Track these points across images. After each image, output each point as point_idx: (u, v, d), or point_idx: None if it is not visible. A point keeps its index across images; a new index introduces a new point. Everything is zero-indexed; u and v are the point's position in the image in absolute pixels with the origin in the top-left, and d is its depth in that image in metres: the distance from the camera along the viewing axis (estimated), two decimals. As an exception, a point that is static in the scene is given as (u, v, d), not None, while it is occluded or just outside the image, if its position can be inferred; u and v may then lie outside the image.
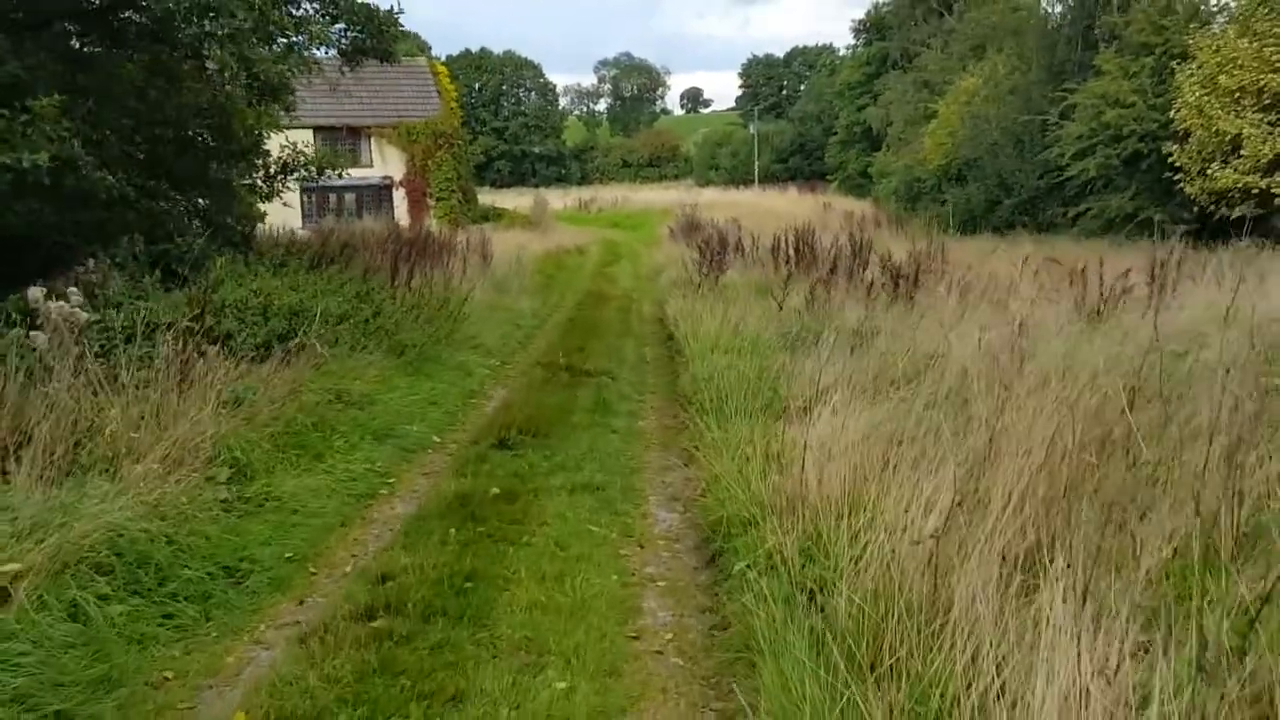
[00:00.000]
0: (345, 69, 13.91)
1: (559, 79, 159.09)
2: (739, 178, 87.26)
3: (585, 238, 39.19)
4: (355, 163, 40.09)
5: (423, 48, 77.04)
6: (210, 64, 10.35)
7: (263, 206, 16.88)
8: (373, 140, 40.24)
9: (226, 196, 13.62)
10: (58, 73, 12.32)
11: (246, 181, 15.79)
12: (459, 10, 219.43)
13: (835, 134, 76.33)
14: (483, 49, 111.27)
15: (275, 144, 15.81)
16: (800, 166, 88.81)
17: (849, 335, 10.16)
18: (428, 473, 8.06)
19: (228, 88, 12.84)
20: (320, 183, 38.03)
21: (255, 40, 10.73)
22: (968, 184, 39.71)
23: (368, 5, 12.69)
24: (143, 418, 6.50)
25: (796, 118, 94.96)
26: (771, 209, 46.78)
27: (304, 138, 38.98)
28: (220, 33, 10.42)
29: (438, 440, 9.07)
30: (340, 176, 16.46)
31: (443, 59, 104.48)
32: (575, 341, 14.89)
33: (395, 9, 12.88)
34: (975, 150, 38.75)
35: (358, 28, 12.77)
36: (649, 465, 8.23)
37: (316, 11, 12.07)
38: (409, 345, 11.19)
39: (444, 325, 12.41)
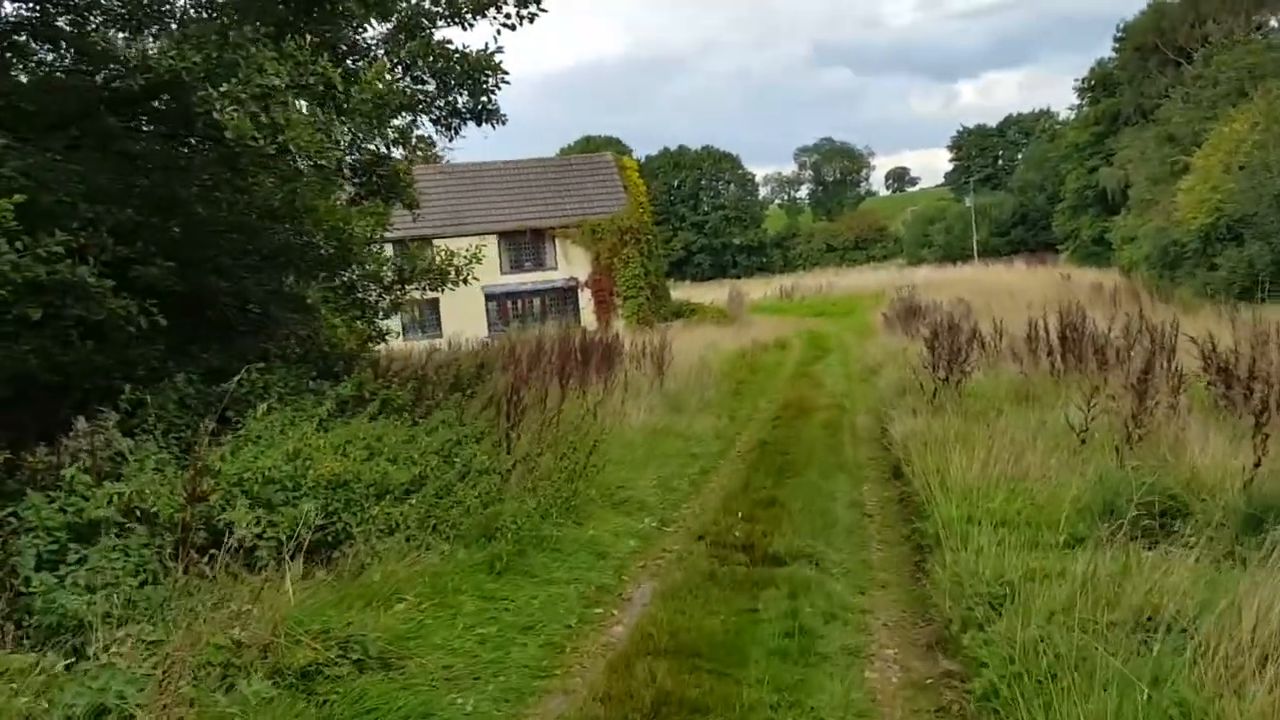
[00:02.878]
0: (435, 140, 10.59)
1: (758, 169, 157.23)
2: (954, 254, 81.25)
3: (786, 329, 35.08)
4: (539, 266, 37.94)
5: (623, 152, 76.32)
6: (228, 133, 7.11)
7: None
8: (556, 241, 37.95)
9: (305, 317, 10.47)
10: (76, 174, 9.59)
11: (358, 295, 12.77)
12: (657, 112, 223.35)
13: (1062, 200, 69.62)
14: (680, 146, 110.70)
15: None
16: (1024, 238, 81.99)
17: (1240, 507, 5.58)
18: None
19: (290, 180, 9.81)
20: (502, 288, 35.98)
21: (289, 102, 7.49)
22: (1245, 244, 33.15)
23: (451, 46, 9.33)
24: None
25: (1016, 187, 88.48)
26: (1001, 285, 41.26)
27: (488, 244, 37.37)
28: (244, 94, 7.24)
29: (506, 732, 5.11)
30: (467, 283, 13.15)
31: (641, 159, 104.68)
32: (763, 486, 10.74)
33: (490, 49, 9.39)
34: (1254, 204, 32.32)
35: (441, 77, 9.42)
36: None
37: (386, 54, 8.73)
38: (503, 526, 7.37)
39: (564, 485, 8.51)
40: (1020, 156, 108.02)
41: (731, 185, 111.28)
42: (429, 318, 37.13)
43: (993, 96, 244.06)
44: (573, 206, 38.52)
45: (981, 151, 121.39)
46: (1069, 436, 9.05)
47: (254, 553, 6.80)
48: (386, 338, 13.88)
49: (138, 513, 6.97)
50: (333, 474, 6.98)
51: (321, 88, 7.44)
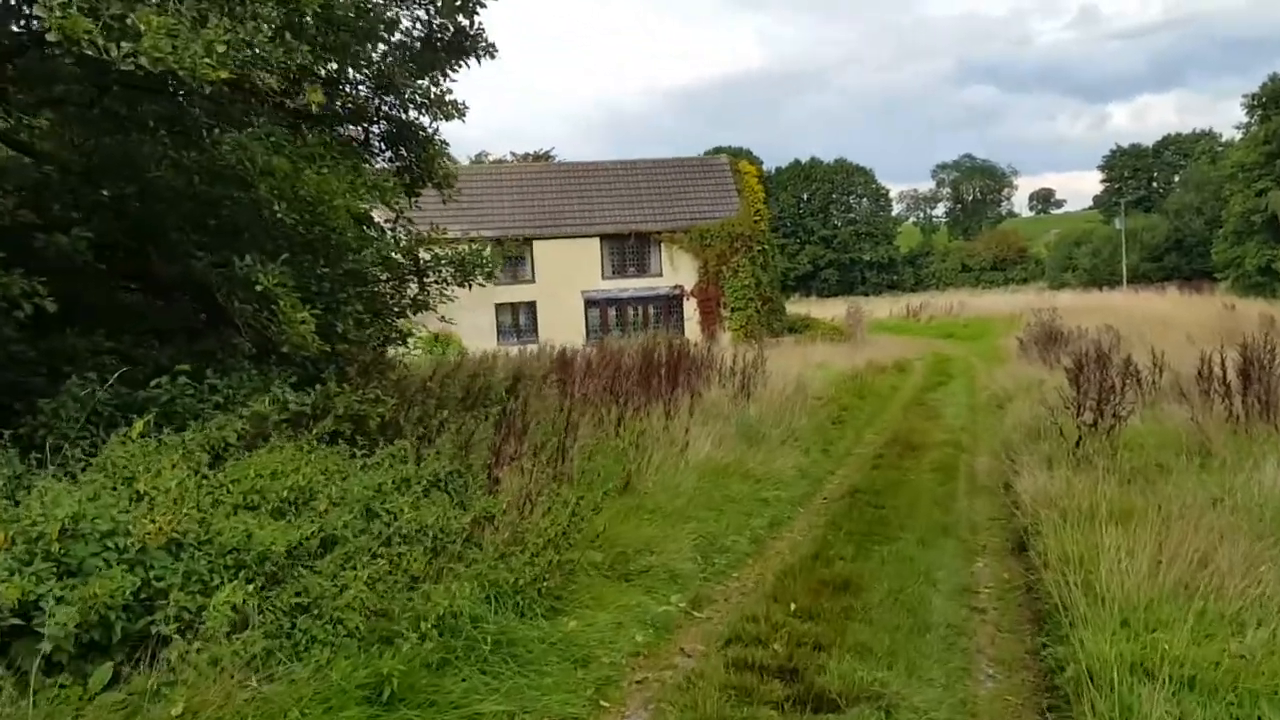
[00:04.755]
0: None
1: (893, 185, 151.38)
2: (1101, 279, 75.76)
3: (908, 351, 31.94)
4: (643, 272, 35.74)
5: (754, 162, 74.28)
6: (50, 35, 4.97)
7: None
8: (662, 246, 35.64)
9: (258, 309, 8.31)
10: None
11: (364, 287, 10.64)
12: (791, 126, 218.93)
13: (1224, 225, 63.89)
14: (811, 158, 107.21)
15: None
16: (1177, 265, 75.96)
17: None
18: None
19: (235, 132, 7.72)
20: (602, 294, 33.93)
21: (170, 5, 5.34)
22: None
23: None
24: None
25: (1171, 210, 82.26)
26: (1154, 313, 36.93)
27: (589, 247, 35.37)
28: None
29: None
30: (493, 277, 10.85)
31: (771, 171, 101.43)
32: (840, 555, 8.13)
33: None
34: None
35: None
36: None
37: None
38: (402, 628, 4.95)
39: (545, 551, 6.03)
40: (1177, 179, 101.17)
41: (864, 200, 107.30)
42: (526, 322, 35.35)
43: (1146, 119, 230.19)
44: (682, 211, 36.17)
45: (1135, 173, 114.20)
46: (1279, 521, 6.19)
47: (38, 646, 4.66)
48: (409, 340, 11.70)
49: None
50: (162, 531, 4.75)
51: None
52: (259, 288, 7.72)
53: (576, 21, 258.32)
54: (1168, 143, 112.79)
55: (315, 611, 4.91)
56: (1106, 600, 5.45)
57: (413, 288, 10.85)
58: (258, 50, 5.38)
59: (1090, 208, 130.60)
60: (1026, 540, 8.49)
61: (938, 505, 10.48)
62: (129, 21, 5.20)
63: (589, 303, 35.45)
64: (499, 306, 34.92)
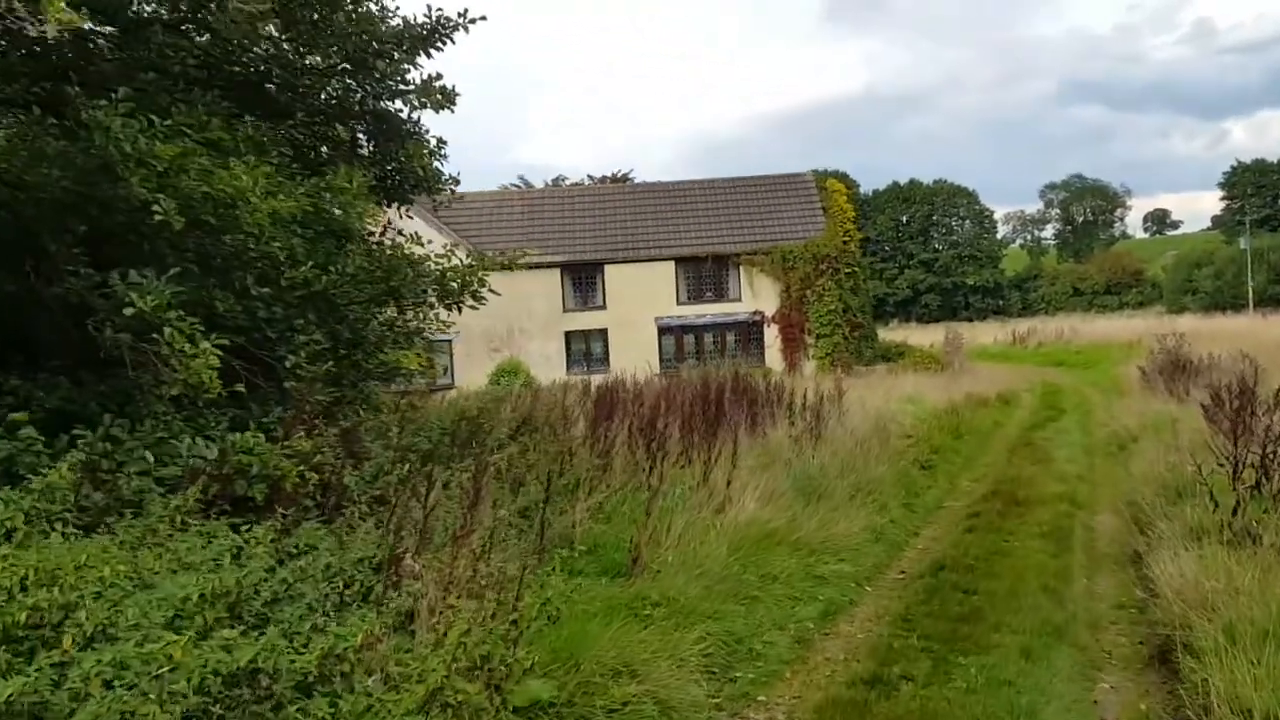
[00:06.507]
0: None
1: (997, 207, 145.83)
2: (1224, 302, 70.67)
3: (1014, 381, 29.02)
4: (721, 297, 33.61)
5: (850, 184, 71.53)
6: None
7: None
8: (741, 270, 33.42)
9: (140, 341, 6.49)
10: None
11: (325, 316, 8.75)
12: (892, 148, 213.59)
13: (1364, 240, 58.82)
14: (911, 180, 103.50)
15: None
16: (1310, 285, 70.44)
17: None
18: None
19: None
20: (677, 321, 31.86)
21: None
22: None
23: None
24: None
25: (1301, 227, 76.65)
26: (1292, 339, 33.22)
27: (664, 271, 33.42)
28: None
29: None
30: (480, 299, 8.83)
31: (869, 193, 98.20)
32: (910, 674, 5.90)
33: None
34: None
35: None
36: None
37: None
38: None
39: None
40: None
41: (966, 222, 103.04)
42: (597, 351, 33.51)
43: (1268, 135, 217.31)
44: (763, 231, 33.91)
45: (1259, 190, 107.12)
46: None
47: None
48: (399, 376, 9.84)
49: None
50: None
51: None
52: (129, 311, 5.90)
53: (675, 50, 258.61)
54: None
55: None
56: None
57: (390, 312, 8.98)
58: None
59: (1209, 228, 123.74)
60: (1171, 654, 6.13)
61: (1047, 590, 8.08)
62: None
63: (663, 330, 33.42)
64: (569, 334, 33.22)
